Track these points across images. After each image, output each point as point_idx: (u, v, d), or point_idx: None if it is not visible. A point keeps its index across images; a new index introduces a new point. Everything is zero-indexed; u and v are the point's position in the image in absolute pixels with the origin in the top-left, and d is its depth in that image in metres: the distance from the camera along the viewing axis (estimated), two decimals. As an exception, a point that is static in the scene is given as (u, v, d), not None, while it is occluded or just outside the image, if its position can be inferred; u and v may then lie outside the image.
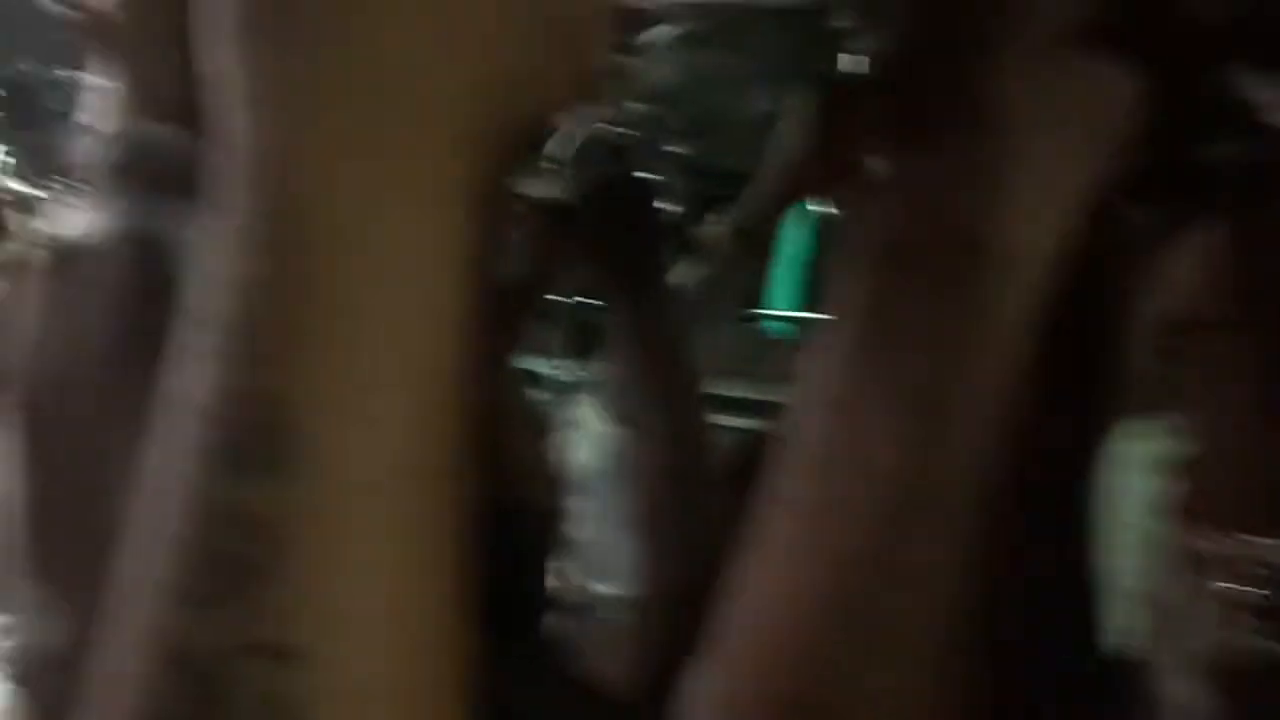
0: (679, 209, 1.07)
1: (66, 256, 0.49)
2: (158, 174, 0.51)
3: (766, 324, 1.54)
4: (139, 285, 0.49)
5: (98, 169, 0.51)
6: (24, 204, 1.62)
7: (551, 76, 0.29)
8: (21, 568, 0.47)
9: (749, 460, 1.00)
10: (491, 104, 0.27)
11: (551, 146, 0.95)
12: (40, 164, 1.62)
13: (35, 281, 0.49)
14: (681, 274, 0.99)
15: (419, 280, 0.25)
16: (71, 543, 0.48)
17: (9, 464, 0.48)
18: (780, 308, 1.63)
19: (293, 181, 0.25)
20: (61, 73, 1.61)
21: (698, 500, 0.90)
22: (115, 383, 0.48)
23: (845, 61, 0.88)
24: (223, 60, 0.26)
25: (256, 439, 0.23)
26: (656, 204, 1.04)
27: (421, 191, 0.26)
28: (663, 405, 0.91)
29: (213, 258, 0.25)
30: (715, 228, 1.01)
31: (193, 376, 0.25)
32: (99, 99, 0.53)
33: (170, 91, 0.53)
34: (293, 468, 0.23)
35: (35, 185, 1.59)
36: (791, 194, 0.95)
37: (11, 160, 1.59)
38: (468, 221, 0.27)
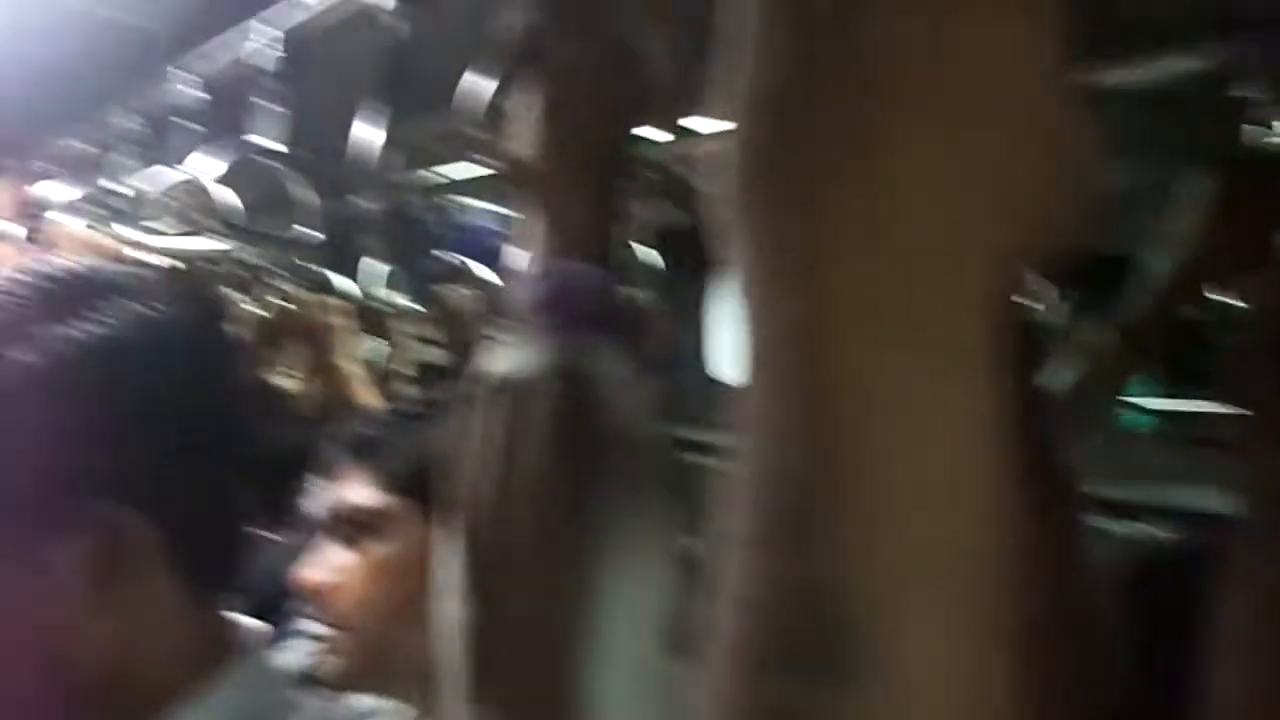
0: (1042, 300, 1.00)
1: (500, 390, 0.52)
2: (582, 311, 0.53)
3: (1126, 417, 1.40)
4: (568, 419, 0.51)
5: (523, 306, 0.54)
6: (405, 316, 1.83)
7: (1062, 212, 0.27)
8: (463, 690, 0.50)
9: (1138, 574, 0.89)
10: (1013, 247, 0.25)
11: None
12: (419, 282, 1.82)
13: (475, 414, 0.53)
14: (1052, 373, 0.91)
15: (967, 452, 0.23)
16: (510, 668, 0.50)
17: (452, 588, 0.52)
18: (1138, 398, 1.48)
19: (822, 353, 0.23)
20: (441, 201, 1.82)
21: (1079, 619, 0.82)
22: (548, 514, 0.50)
23: (1251, 136, 0.79)
24: (731, 221, 0.25)
25: (809, 636, 0.22)
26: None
27: (957, 352, 0.24)
28: (1039, 513, 0.84)
29: (743, 433, 0.24)
30: (1095, 329, 0.92)
31: (735, 565, 0.24)
32: (522, 239, 0.57)
33: (590, 232, 0.56)
34: (852, 669, 0.22)
35: (415, 301, 1.79)
36: (1189, 289, 0.85)
37: (395, 276, 1.81)
38: (1000, 375, 0.24)
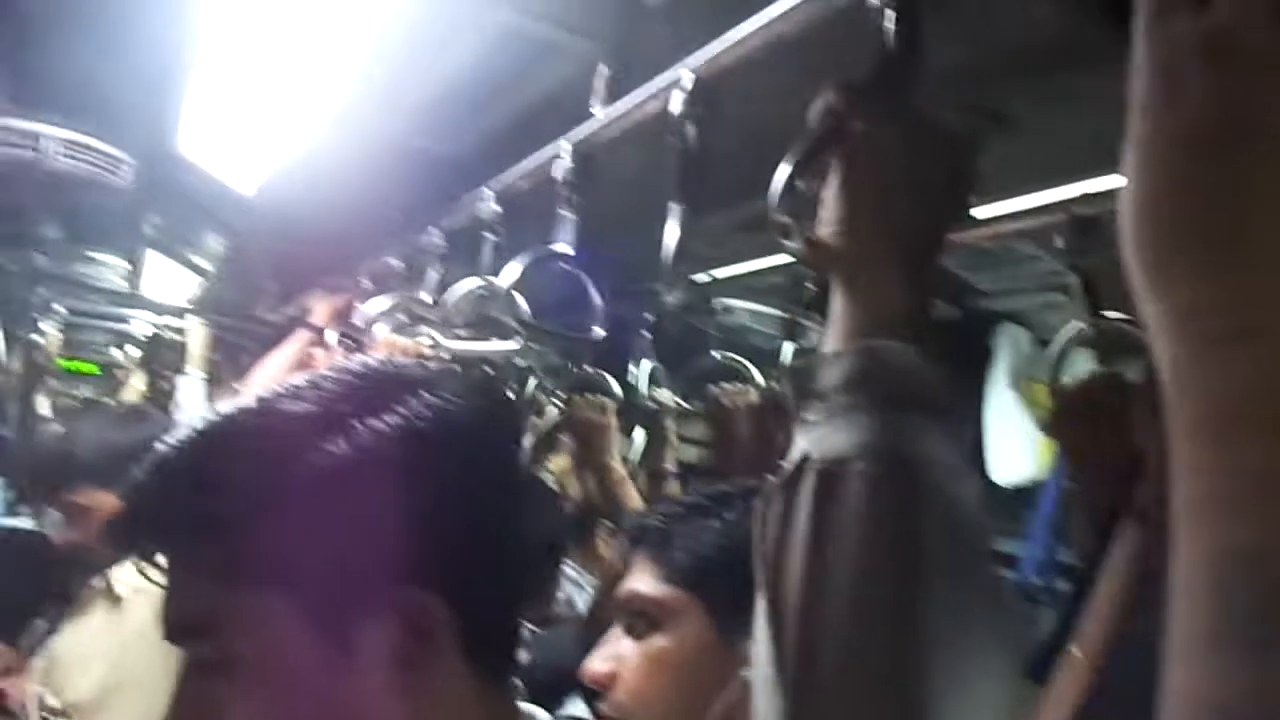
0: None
1: (815, 472, 0.51)
2: (894, 389, 0.52)
3: None
4: (891, 501, 0.49)
5: (834, 386, 0.53)
6: (674, 414, 1.87)
7: None
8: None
9: None
10: None
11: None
12: (686, 379, 1.87)
13: (787, 498, 0.52)
14: None
15: None
16: None
17: (766, 682, 0.50)
18: None
19: (1266, 432, 0.21)
20: (711, 303, 1.87)
21: None
22: (870, 602, 0.48)
23: None
24: (1146, 295, 0.24)
25: None
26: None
27: None
28: None
29: (1198, 525, 0.22)
30: None
31: (1196, 668, 0.21)
32: (826, 321, 0.56)
33: (901, 310, 0.54)
34: None
35: (683, 398, 1.83)
36: None
37: (661, 374, 1.87)
38: None
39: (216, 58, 1.55)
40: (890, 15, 0.61)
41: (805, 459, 0.52)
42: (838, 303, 0.56)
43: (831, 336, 0.55)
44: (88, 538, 1.53)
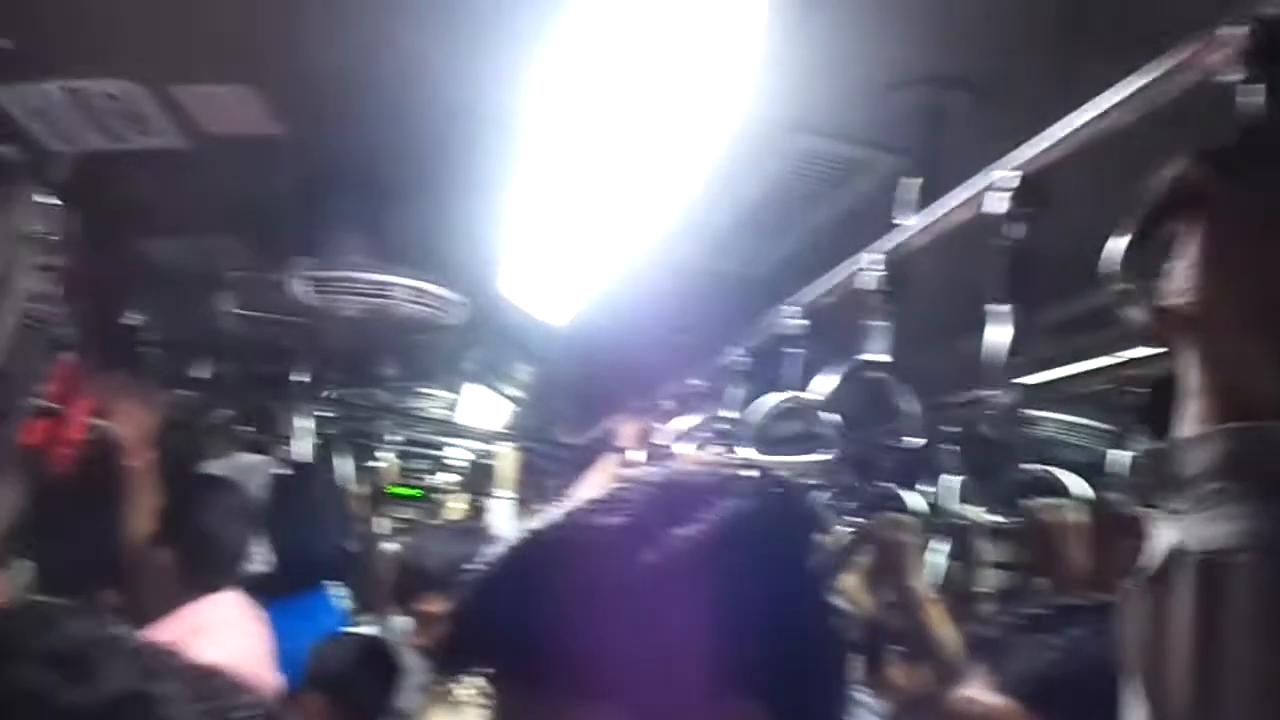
0: None
1: (1191, 567, 0.48)
2: (1275, 472, 0.48)
3: None
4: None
5: (1204, 472, 0.50)
6: (979, 531, 1.78)
7: None
8: None
9: None
10: None
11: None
12: (1001, 495, 1.78)
13: (1158, 594, 0.49)
14: None
15: None
16: None
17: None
18: None
19: None
20: (1023, 413, 1.80)
21: None
22: (1266, 706, 0.44)
23: None
24: None
25: None
26: None
27: None
28: None
29: None
30: None
31: None
32: (1189, 402, 0.53)
33: (1264, 386, 0.50)
34: None
35: (990, 512, 1.75)
36: None
37: (962, 488, 1.80)
38: None
39: (534, 206, 1.72)
40: (1251, 89, 0.59)
41: (1177, 552, 0.49)
42: (1195, 381, 0.53)
43: (1191, 418, 0.52)
44: (434, 642, 1.67)
